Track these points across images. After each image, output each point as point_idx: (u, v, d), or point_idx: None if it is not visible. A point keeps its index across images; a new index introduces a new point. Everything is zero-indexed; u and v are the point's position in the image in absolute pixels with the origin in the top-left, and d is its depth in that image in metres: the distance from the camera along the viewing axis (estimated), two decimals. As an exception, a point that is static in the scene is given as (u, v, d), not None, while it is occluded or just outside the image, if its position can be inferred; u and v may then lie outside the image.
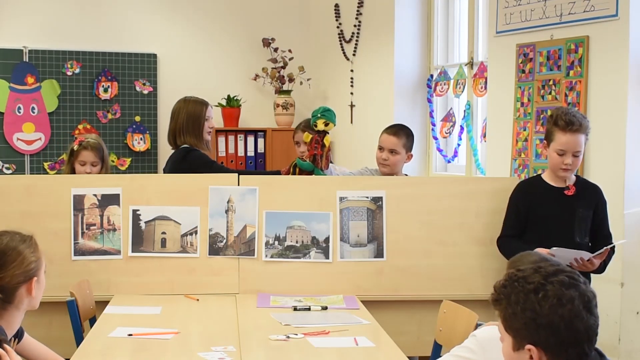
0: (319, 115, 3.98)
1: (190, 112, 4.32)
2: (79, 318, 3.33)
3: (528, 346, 1.76)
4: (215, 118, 6.59)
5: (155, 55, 6.68)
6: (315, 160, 3.98)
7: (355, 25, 6.37)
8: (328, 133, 4.02)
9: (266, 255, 3.78)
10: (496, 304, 1.84)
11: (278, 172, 4.21)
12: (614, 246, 3.45)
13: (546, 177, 3.57)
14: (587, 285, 1.79)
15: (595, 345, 1.81)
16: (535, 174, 4.32)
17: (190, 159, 4.22)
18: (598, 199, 3.53)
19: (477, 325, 2.86)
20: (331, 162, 4.25)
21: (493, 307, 1.87)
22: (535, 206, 3.54)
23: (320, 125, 3.97)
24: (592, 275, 3.48)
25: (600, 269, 3.41)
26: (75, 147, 4.13)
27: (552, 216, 3.49)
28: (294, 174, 4.01)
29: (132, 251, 3.75)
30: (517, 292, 1.78)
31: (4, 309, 2.41)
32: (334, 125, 4.01)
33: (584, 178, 3.64)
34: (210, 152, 4.53)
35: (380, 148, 4.18)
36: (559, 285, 1.75)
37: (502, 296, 1.82)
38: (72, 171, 4.13)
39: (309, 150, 4.00)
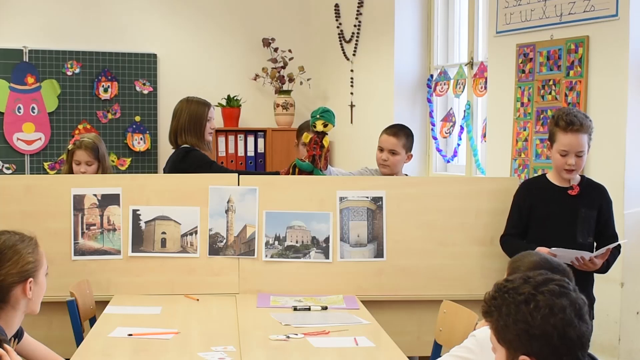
0: (317, 116, 3.98)
1: (193, 113, 4.33)
2: (79, 318, 3.33)
3: (522, 357, 1.75)
4: (215, 118, 6.61)
5: (155, 55, 6.68)
6: (314, 160, 3.98)
7: (355, 25, 6.37)
8: (327, 134, 4.02)
9: (266, 255, 3.78)
10: (487, 315, 1.84)
11: (277, 173, 4.21)
12: (619, 246, 3.44)
13: (551, 176, 3.57)
14: (577, 293, 1.78)
15: (590, 348, 1.81)
16: (536, 174, 4.33)
17: (190, 159, 4.22)
18: (602, 199, 3.51)
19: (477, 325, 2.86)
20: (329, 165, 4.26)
21: (484, 318, 1.87)
22: (538, 205, 3.53)
23: (319, 126, 3.96)
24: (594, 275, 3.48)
25: (603, 269, 3.40)
26: (70, 147, 4.15)
27: (554, 215, 3.48)
28: (293, 174, 4.01)
29: (132, 251, 3.75)
30: (508, 304, 1.77)
31: (0, 308, 2.40)
32: (333, 126, 4.01)
33: (589, 178, 3.62)
34: (210, 153, 4.53)
35: (380, 149, 4.18)
36: (549, 295, 1.75)
37: (492, 308, 1.81)
38: (71, 171, 4.13)
39: (308, 150, 4.00)
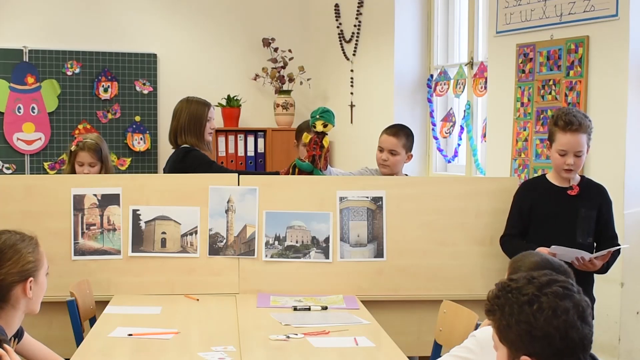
0: (317, 116, 3.98)
1: (193, 113, 4.33)
2: (79, 318, 3.33)
3: (523, 357, 1.75)
4: (215, 118, 6.59)
5: (155, 55, 6.68)
6: (314, 161, 3.98)
7: (355, 25, 6.37)
8: (327, 134, 4.02)
9: (266, 255, 3.78)
10: (490, 314, 1.84)
11: (277, 173, 4.21)
12: (619, 248, 3.43)
13: (550, 177, 3.57)
14: (581, 295, 1.78)
15: (592, 347, 1.81)
16: (536, 174, 4.33)
17: (190, 159, 4.22)
18: (602, 200, 3.51)
19: (477, 325, 2.86)
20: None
21: (486, 316, 1.87)
22: (538, 205, 3.53)
23: (319, 127, 3.96)
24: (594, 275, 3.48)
25: (603, 270, 3.40)
26: (73, 148, 4.13)
27: (554, 216, 3.48)
28: (293, 174, 4.01)
29: (132, 251, 3.75)
30: (511, 304, 1.77)
31: (0, 308, 2.40)
32: (333, 126, 4.01)
33: (589, 178, 3.61)
34: (210, 153, 4.53)
35: (380, 149, 4.18)
36: (553, 297, 1.75)
37: (495, 307, 1.81)
38: (73, 171, 4.12)
39: (307, 151, 4.00)
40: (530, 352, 1.75)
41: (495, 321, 1.82)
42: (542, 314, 1.73)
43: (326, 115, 3.99)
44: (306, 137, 4.04)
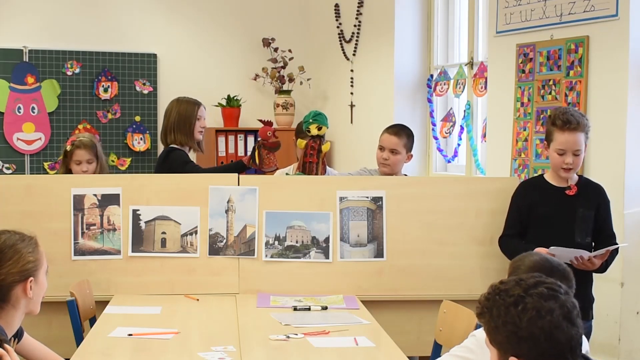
0: (310, 120, 4.01)
1: (182, 112, 4.37)
2: (79, 318, 3.33)
3: (511, 359, 1.76)
4: (215, 118, 6.59)
5: (155, 55, 6.68)
6: (310, 168, 3.97)
7: (355, 25, 6.37)
8: (323, 137, 4.03)
9: (266, 255, 3.78)
10: (480, 317, 1.85)
11: (241, 164, 4.22)
12: (617, 247, 3.43)
13: (548, 177, 3.57)
14: (567, 296, 1.79)
15: (589, 346, 1.81)
16: (536, 174, 4.33)
17: (170, 159, 4.29)
18: (600, 199, 3.51)
19: (478, 325, 2.87)
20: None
21: (477, 319, 1.88)
22: (536, 206, 3.53)
23: (314, 130, 3.99)
24: (593, 274, 3.48)
25: (602, 269, 3.40)
26: (69, 147, 4.13)
27: (552, 216, 3.48)
28: (258, 154, 4.07)
29: (132, 251, 3.75)
30: (499, 306, 1.79)
31: (0, 308, 2.40)
32: (327, 128, 4.04)
33: (587, 178, 3.61)
34: (202, 152, 4.57)
35: (381, 148, 4.18)
36: (537, 298, 1.76)
37: (485, 309, 1.83)
38: (68, 172, 4.12)
39: (303, 157, 4.01)
40: (517, 353, 1.76)
41: (485, 324, 1.84)
42: (526, 314, 1.74)
43: (319, 118, 4.02)
44: (301, 143, 4.05)
